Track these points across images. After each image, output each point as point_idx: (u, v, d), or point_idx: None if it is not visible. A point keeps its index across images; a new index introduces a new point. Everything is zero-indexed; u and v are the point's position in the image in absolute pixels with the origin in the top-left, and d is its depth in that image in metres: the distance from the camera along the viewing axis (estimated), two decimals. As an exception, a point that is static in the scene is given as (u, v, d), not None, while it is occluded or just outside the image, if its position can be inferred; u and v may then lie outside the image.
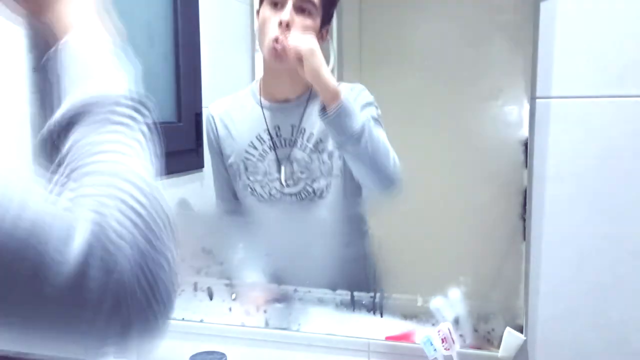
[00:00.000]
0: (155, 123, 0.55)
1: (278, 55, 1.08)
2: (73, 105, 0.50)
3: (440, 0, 1.14)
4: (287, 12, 1.07)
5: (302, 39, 1.04)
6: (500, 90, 0.99)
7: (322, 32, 1.13)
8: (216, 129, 1.24)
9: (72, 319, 0.41)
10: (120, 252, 0.42)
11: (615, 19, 0.86)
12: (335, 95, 1.02)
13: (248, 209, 1.22)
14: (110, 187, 0.45)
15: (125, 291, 0.42)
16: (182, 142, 1.32)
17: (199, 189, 1.36)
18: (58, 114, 0.50)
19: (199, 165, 1.34)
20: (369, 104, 1.14)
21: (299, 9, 1.08)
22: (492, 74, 1.03)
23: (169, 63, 1.27)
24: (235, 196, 1.24)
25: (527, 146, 0.92)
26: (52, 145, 0.50)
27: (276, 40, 1.07)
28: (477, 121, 1.04)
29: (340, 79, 1.20)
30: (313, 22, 1.10)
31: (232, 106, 1.25)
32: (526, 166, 0.92)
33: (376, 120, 1.12)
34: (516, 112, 0.94)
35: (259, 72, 1.35)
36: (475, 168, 1.06)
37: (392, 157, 1.07)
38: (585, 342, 0.92)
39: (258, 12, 1.14)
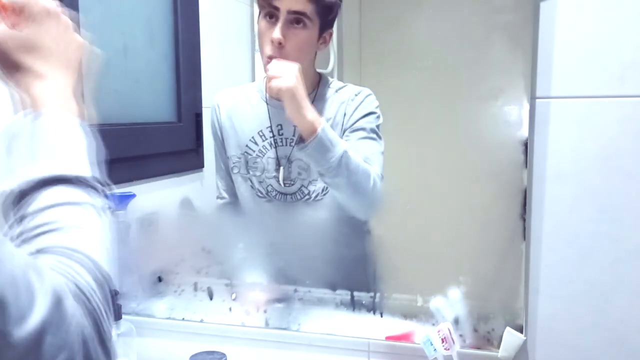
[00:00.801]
0: (110, 208, 0.57)
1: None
2: (40, 174, 0.52)
3: (440, 0, 1.14)
4: (277, 31, 1.06)
5: (283, 76, 1.01)
6: (500, 90, 0.99)
7: (324, 36, 1.12)
8: (220, 119, 1.24)
9: None
10: (71, 332, 0.43)
11: (615, 19, 0.86)
12: (312, 129, 1.01)
13: (246, 205, 1.23)
14: (68, 266, 0.47)
15: None
16: (182, 142, 1.32)
17: (199, 188, 1.36)
18: (26, 178, 0.52)
19: (199, 165, 1.34)
20: (370, 114, 1.13)
21: (293, 21, 1.07)
22: (492, 74, 1.03)
23: (169, 63, 1.28)
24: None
25: (527, 146, 0.92)
26: (17, 204, 0.52)
27: (269, 58, 1.07)
28: (477, 121, 1.04)
29: (340, 78, 1.21)
30: (308, 32, 1.08)
31: (239, 98, 1.24)
32: (526, 166, 0.92)
33: (374, 131, 1.12)
34: (516, 112, 0.94)
35: (259, 72, 1.35)
36: (475, 168, 1.06)
37: (372, 184, 1.06)
38: (585, 341, 0.92)
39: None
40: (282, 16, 1.06)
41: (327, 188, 1.15)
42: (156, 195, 1.25)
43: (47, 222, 0.50)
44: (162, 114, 1.29)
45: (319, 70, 1.19)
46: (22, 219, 0.50)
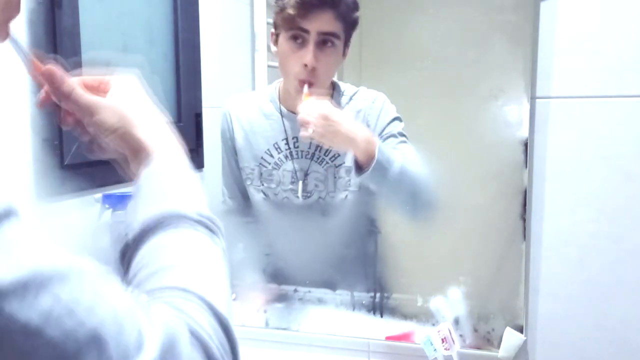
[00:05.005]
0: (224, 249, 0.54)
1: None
2: (148, 219, 0.51)
3: (440, 0, 1.14)
4: (310, 56, 1.03)
5: (315, 123, 0.94)
6: (500, 90, 0.99)
7: (346, 50, 1.09)
8: (232, 129, 1.20)
9: None
10: None
11: (615, 19, 0.86)
12: (369, 154, 0.96)
13: (257, 209, 1.21)
14: (180, 310, 0.43)
15: None
16: (182, 142, 1.32)
17: (199, 189, 1.36)
18: (134, 230, 0.51)
19: (199, 165, 1.34)
20: (394, 119, 1.11)
21: (322, 43, 1.04)
22: (492, 74, 1.03)
23: (169, 63, 1.27)
24: (244, 195, 1.22)
25: (527, 146, 0.92)
26: (129, 256, 0.50)
27: (302, 82, 1.04)
28: (477, 121, 1.04)
29: (340, 78, 1.20)
30: (336, 51, 1.06)
31: (251, 109, 1.20)
32: (526, 166, 0.92)
33: (403, 135, 1.10)
34: (516, 112, 0.95)
35: (259, 73, 1.35)
36: (475, 168, 1.06)
37: (429, 183, 1.04)
38: (585, 342, 0.92)
39: (274, 34, 1.10)
40: (313, 39, 1.03)
41: (346, 197, 1.13)
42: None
43: (160, 262, 0.47)
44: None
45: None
46: (132, 261, 0.49)
